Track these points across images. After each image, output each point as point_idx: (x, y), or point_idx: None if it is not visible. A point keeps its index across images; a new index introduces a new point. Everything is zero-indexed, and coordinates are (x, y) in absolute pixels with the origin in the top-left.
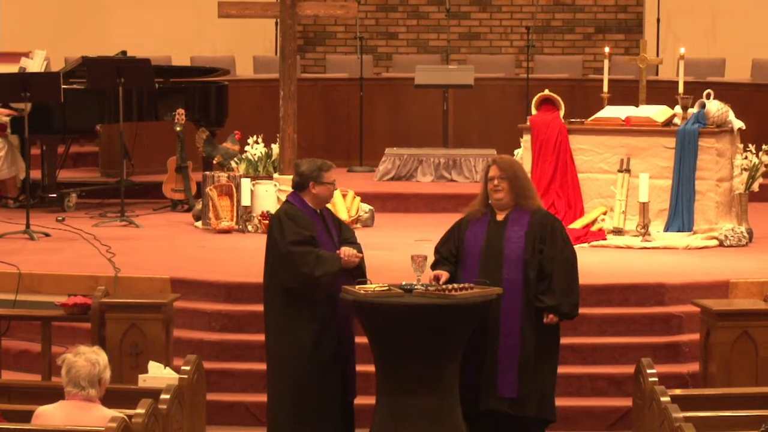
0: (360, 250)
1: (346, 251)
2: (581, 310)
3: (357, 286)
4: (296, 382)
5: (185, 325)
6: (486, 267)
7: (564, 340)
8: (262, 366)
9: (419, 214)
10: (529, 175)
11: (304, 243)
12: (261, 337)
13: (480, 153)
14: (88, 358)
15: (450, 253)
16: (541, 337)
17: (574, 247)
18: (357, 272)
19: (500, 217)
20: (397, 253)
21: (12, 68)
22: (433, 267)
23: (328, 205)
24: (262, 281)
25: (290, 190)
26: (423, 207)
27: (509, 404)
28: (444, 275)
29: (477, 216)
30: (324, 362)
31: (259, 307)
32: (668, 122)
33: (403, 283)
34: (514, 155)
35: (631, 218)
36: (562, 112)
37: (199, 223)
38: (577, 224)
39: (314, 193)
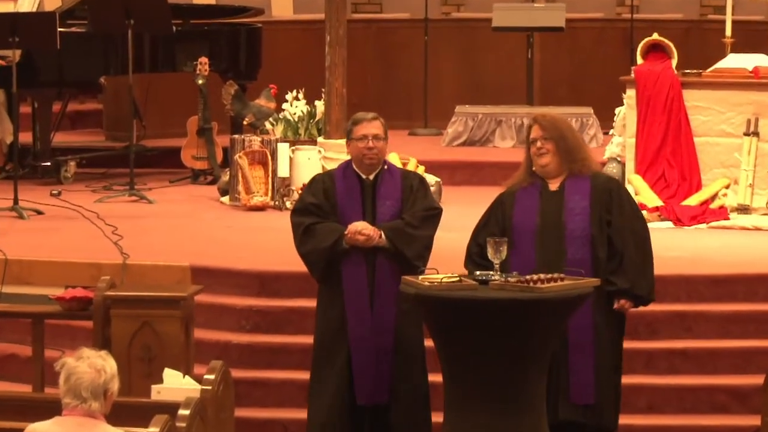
0: (406, 230)
1: (352, 226)
2: (697, 307)
3: (420, 277)
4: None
5: (209, 324)
6: (544, 247)
7: (675, 344)
8: (302, 374)
9: (497, 187)
10: (634, 138)
11: (302, 212)
12: (301, 339)
13: (572, 112)
14: (93, 364)
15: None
16: (614, 329)
17: (693, 227)
18: (399, 259)
19: (554, 186)
20: (468, 235)
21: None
22: (468, 264)
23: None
24: (301, 270)
25: (335, 157)
26: (502, 179)
27: (584, 413)
28: None
29: (523, 186)
30: (325, 359)
31: (299, 302)
32: None
33: (478, 273)
34: (615, 114)
35: (759, 192)
36: (674, 62)
37: (225, 199)
38: (692, 200)
39: (349, 153)
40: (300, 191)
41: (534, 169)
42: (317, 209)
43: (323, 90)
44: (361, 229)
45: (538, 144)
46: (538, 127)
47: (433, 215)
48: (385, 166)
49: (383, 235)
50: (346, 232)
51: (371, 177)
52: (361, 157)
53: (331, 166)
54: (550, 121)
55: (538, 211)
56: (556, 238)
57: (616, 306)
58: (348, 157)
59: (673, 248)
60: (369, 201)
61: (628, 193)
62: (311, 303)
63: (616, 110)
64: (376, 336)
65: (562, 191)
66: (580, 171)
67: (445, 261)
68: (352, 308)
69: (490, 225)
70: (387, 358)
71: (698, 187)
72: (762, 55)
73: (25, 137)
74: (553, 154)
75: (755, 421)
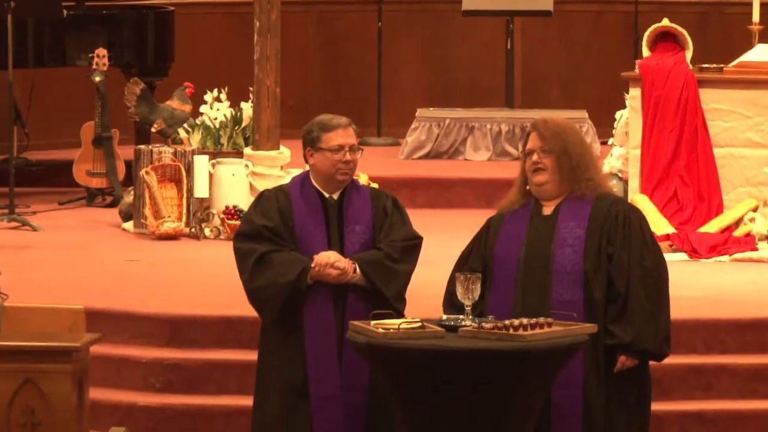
0: (386, 263)
1: (321, 257)
2: (718, 359)
3: (373, 322)
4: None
5: (108, 382)
6: (527, 285)
7: (690, 405)
8: None
9: (469, 210)
10: (639, 150)
11: (252, 237)
12: (224, 401)
13: (562, 117)
14: None
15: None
16: (617, 389)
17: (712, 259)
18: (376, 298)
19: (548, 209)
20: (434, 271)
21: None
22: (446, 306)
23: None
24: (223, 314)
25: (265, 173)
26: (474, 200)
27: None
28: None
29: (514, 209)
30: (274, 426)
31: (221, 354)
32: None
33: (444, 317)
34: (615, 120)
35: None
36: (689, 54)
37: (129, 225)
38: (712, 226)
39: (312, 165)
40: (223, 216)
41: (528, 187)
42: (272, 234)
43: (251, 89)
44: (333, 261)
45: (535, 157)
46: (536, 135)
47: (414, 246)
48: (365, 184)
49: (357, 269)
50: (313, 265)
51: (335, 196)
52: (334, 172)
53: (262, 183)
54: (552, 129)
55: (524, 241)
56: (541, 274)
57: (617, 366)
58: (296, 170)
59: (688, 286)
60: (335, 225)
61: (642, 220)
62: (237, 355)
63: (617, 114)
64: (344, 395)
65: (555, 216)
66: (583, 193)
67: (407, 302)
68: (316, 360)
69: (473, 257)
70: (359, 424)
71: (719, 209)
72: None
73: None
74: (553, 172)
75: None
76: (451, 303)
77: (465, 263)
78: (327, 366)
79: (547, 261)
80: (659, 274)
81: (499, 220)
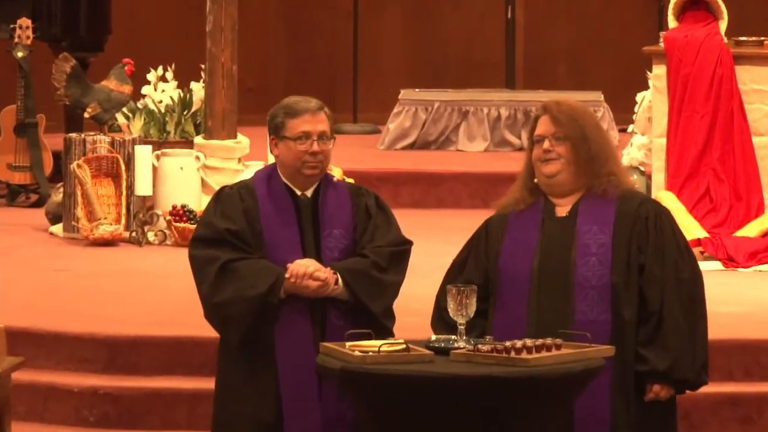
0: (372, 274)
1: (297, 267)
2: (758, 387)
3: (348, 344)
4: None
5: (34, 415)
6: (543, 302)
7: None
8: None
9: (462, 210)
10: (665, 138)
11: (212, 242)
12: None
13: (573, 99)
14: None
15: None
16: (648, 422)
17: (751, 269)
18: (361, 315)
19: (562, 210)
20: (422, 283)
21: None
22: (436, 324)
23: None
24: (170, 334)
25: (219, 166)
26: (468, 198)
27: None
28: None
29: (519, 208)
30: None
31: (167, 382)
32: None
33: (433, 338)
34: (636, 103)
35: None
36: (723, 25)
37: (58, 228)
38: (751, 230)
39: (276, 157)
40: (169, 217)
41: (536, 180)
42: (236, 238)
43: (203, 67)
44: (312, 271)
45: (546, 145)
46: (548, 119)
47: (403, 252)
48: (335, 179)
49: (339, 281)
50: (288, 276)
51: (308, 193)
52: (300, 165)
53: (216, 179)
54: (566, 113)
55: (536, 248)
56: (560, 289)
57: (648, 395)
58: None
59: (723, 301)
60: (309, 228)
61: (673, 223)
62: (186, 383)
63: (638, 97)
64: (326, 431)
65: (573, 218)
66: (604, 190)
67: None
68: (291, 389)
69: (469, 267)
70: None
71: (759, 210)
72: None
73: None
74: (568, 162)
75: None
76: (442, 321)
77: (459, 274)
78: (303, 396)
79: (567, 273)
80: (696, 287)
81: (502, 223)
